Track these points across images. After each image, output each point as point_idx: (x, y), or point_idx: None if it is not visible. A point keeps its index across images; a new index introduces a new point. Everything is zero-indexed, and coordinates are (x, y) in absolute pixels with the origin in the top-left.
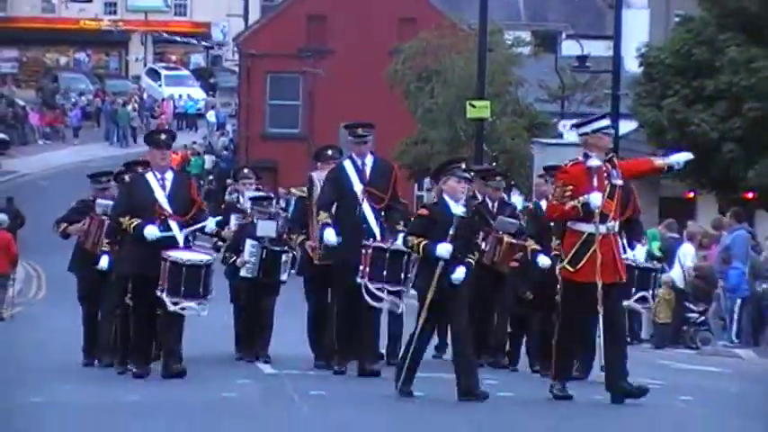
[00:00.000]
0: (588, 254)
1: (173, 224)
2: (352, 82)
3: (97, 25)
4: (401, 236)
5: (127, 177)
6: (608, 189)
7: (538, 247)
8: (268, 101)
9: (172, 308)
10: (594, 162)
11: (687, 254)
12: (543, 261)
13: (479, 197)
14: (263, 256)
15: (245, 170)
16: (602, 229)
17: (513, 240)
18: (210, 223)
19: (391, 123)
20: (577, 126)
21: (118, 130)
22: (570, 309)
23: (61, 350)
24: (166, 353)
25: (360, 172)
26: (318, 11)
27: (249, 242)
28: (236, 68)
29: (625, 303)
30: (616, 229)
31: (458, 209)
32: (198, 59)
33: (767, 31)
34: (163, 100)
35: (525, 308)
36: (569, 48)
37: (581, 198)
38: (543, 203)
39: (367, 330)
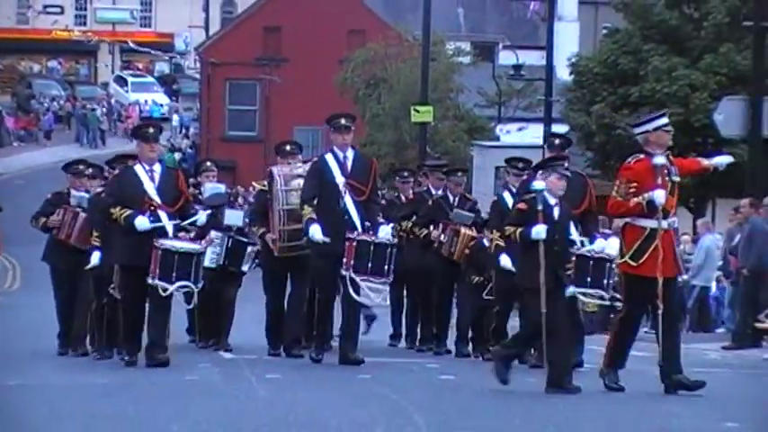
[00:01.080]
0: (650, 249)
1: (162, 215)
2: (305, 88)
3: (68, 35)
4: (383, 227)
5: (116, 169)
6: (669, 186)
7: (502, 244)
8: (227, 106)
9: (164, 293)
10: (660, 159)
11: (613, 247)
12: (505, 262)
13: (433, 191)
14: (229, 245)
15: (208, 163)
16: (664, 224)
17: (470, 232)
18: (202, 216)
19: None
20: (637, 125)
21: (88, 133)
22: (631, 303)
23: (35, 338)
24: (151, 342)
25: (341, 165)
26: (274, 23)
27: (213, 233)
28: (198, 76)
29: (574, 291)
30: (675, 224)
31: (552, 200)
32: (162, 67)
33: (687, 42)
34: (129, 105)
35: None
36: (506, 57)
37: (645, 195)
38: (506, 195)
39: (350, 320)
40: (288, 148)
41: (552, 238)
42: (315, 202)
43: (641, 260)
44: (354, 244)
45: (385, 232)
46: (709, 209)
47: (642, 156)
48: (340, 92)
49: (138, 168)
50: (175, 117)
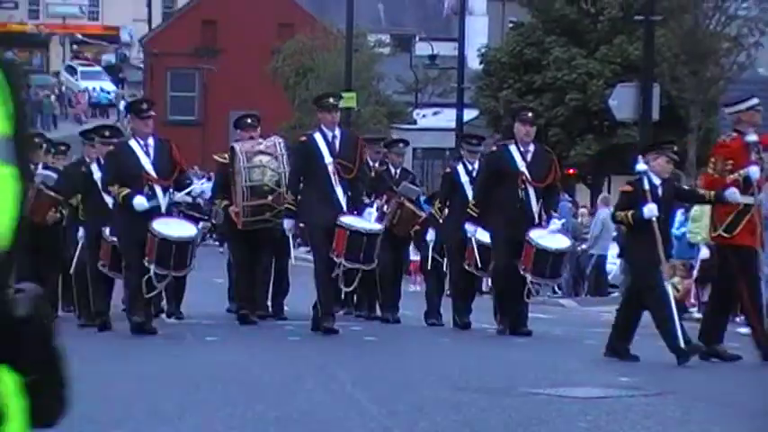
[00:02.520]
0: (743, 222)
1: (157, 190)
2: (239, 76)
3: (22, 28)
4: (368, 210)
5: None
6: (761, 163)
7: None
8: (169, 93)
9: (159, 280)
10: (752, 137)
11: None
12: (470, 228)
13: (371, 163)
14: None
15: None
16: (757, 199)
17: (413, 207)
18: (197, 186)
19: (273, 111)
20: (729, 104)
21: (42, 118)
22: (726, 274)
23: None
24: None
25: (330, 144)
26: (211, 16)
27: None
28: (142, 65)
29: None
30: (764, 201)
31: (657, 180)
32: (109, 57)
33: (585, 34)
34: (79, 92)
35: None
36: (422, 48)
37: (741, 171)
38: (460, 168)
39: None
40: (248, 120)
41: (659, 217)
42: (300, 186)
43: (735, 231)
44: (347, 234)
45: (370, 216)
46: (606, 185)
47: (735, 134)
48: (272, 80)
49: (133, 143)
50: (122, 103)
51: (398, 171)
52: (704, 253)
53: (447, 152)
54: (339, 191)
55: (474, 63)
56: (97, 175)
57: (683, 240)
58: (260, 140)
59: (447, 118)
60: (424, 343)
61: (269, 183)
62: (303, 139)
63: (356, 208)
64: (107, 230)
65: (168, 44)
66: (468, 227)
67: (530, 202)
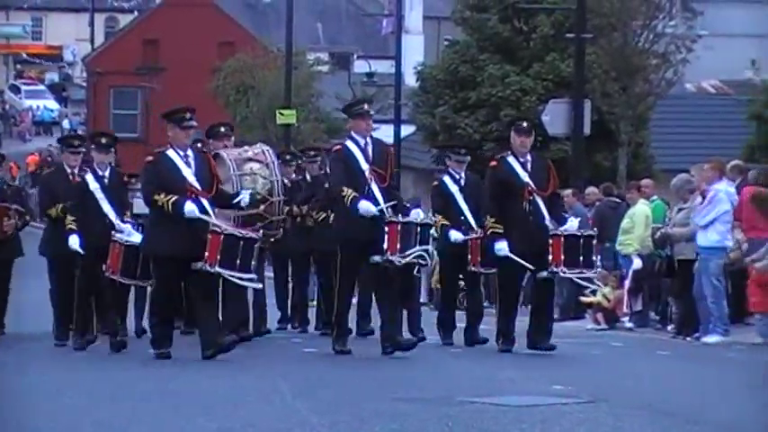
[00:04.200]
0: None
1: (204, 201)
2: (181, 94)
3: None
4: (414, 210)
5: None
6: None
7: (447, 222)
8: (112, 110)
9: (237, 281)
10: None
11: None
12: (455, 236)
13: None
14: (140, 232)
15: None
16: None
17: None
18: (246, 197)
19: None
20: None
21: None
22: None
23: None
24: (213, 327)
25: (363, 151)
26: (152, 35)
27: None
28: (85, 84)
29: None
30: None
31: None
32: (53, 76)
33: (518, 52)
34: (23, 110)
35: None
36: (360, 66)
37: None
38: (447, 179)
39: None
40: (222, 129)
41: None
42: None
43: None
44: (398, 227)
45: (418, 216)
46: None
47: None
48: (213, 97)
49: (172, 154)
50: (66, 121)
51: None
52: (637, 264)
53: None
54: (379, 197)
55: (411, 80)
56: (94, 185)
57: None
58: (245, 148)
59: (385, 134)
60: (364, 354)
61: (261, 191)
62: (337, 147)
63: (400, 213)
64: (120, 234)
65: (111, 63)
66: (499, 245)
67: (541, 213)
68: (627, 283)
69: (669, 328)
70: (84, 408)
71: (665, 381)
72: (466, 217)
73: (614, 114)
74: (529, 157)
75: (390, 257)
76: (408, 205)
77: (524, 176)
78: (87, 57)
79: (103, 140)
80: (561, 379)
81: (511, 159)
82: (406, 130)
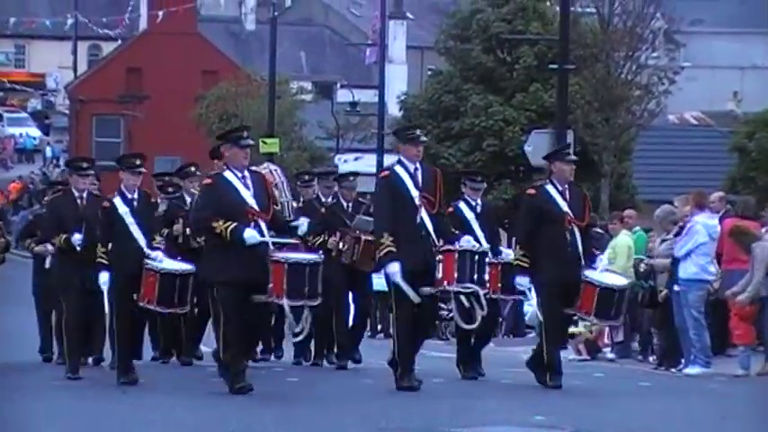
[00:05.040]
0: None
1: (262, 225)
2: (164, 123)
3: None
4: (465, 237)
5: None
6: None
7: (524, 264)
8: (94, 138)
9: (289, 309)
10: None
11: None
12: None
13: (323, 198)
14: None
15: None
16: None
17: (371, 239)
18: (304, 225)
19: (197, 157)
20: None
21: None
22: None
23: None
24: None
25: (413, 177)
26: (136, 64)
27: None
28: (68, 111)
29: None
30: None
31: None
32: (35, 104)
33: (501, 82)
34: (5, 137)
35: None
36: (343, 95)
37: None
38: (462, 205)
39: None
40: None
41: None
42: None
43: None
44: (456, 256)
45: (469, 243)
46: None
47: None
48: (196, 126)
49: (230, 175)
50: (48, 149)
51: (350, 205)
52: None
53: (368, 196)
54: (429, 225)
55: (394, 110)
56: (123, 209)
57: None
58: (253, 168)
59: (367, 163)
60: (346, 383)
61: None
62: (386, 173)
63: (448, 240)
64: (153, 262)
65: (94, 91)
66: (521, 279)
67: (576, 244)
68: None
69: (651, 359)
70: None
71: (646, 412)
72: (482, 244)
73: (597, 145)
74: (567, 186)
75: (447, 288)
76: (457, 232)
77: (564, 205)
78: (70, 84)
79: (137, 162)
80: (543, 409)
81: (549, 188)
82: (390, 159)
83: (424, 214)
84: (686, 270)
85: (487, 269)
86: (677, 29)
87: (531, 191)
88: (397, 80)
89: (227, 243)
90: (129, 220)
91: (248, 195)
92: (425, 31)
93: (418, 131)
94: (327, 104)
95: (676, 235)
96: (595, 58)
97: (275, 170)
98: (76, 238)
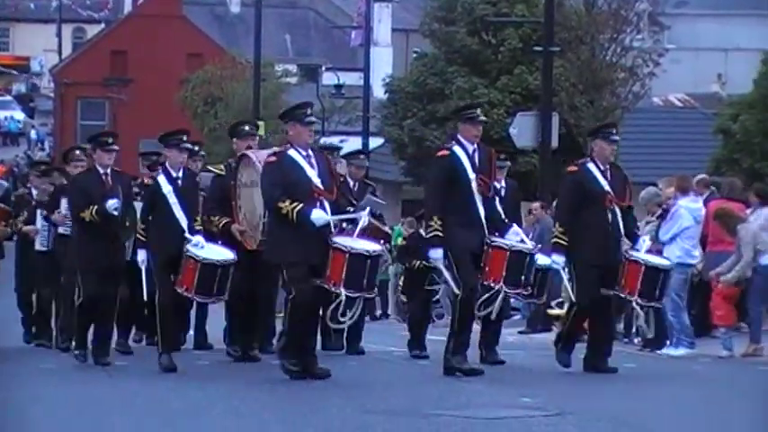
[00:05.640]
0: None
1: (326, 205)
2: (149, 106)
3: None
4: (513, 228)
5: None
6: None
7: (562, 242)
8: (79, 121)
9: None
10: None
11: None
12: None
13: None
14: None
15: (77, 151)
16: None
17: (377, 223)
18: (365, 218)
19: None
20: None
21: None
22: None
23: None
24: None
25: (470, 159)
26: (120, 47)
27: (39, 212)
28: (52, 94)
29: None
30: None
31: None
32: (20, 87)
33: (486, 65)
34: None
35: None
36: (328, 78)
37: None
38: None
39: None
40: (246, 128)
41: None
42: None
43: None
44: (507, 254)
45: (517, 236)
46: None
47: None
48: (181, 108)
49: (294, 153)
50: (32, 132)
51: (357, 184)
52: None
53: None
54: (481, 209)
55: (379, 92)
56: (167, 188)
57: None
58: (274, 149)
59: (353, 146)
60: (331, 366)
61: None
62: (444, 153)
63: (497, 229)
64: (193, 249)
65: (78, 74)
66: (557, 258)
67: (617, 224)
68: None
69: (636, 341)
70: (46, 421)
71: (631, 393)
72: (558, 237)
73: (581, 127)
74: (608, 166)
75: (494, 285)
76: (509, 224)
77: (605, 184)
78: (55, 67)
79: (183, 138)
80: (529, 391)
81: (591, 166)
82: (375, 142)
83: (477, 198)
84: (670, 253)
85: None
86: (662, 11)
87: (573, 168)
88: (383, 63)
89: (292, 223)
90: (173, 199)
91: (314, 174)
92: (410, 13)
93: (478, 110)
94: (313, 87)
95: (660, 217)
96: (580, 40)
97: None
98: (111, 203)
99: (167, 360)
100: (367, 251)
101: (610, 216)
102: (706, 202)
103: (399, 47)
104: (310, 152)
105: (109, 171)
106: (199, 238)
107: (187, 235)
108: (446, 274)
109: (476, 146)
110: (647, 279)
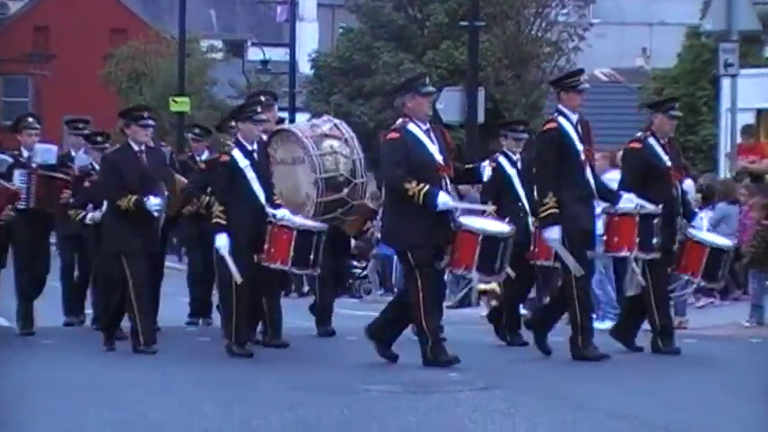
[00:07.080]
0: None
1: (448, 182)
2: (72, 82)
3: None
4: (626, 196)
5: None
6: None
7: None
8: (2, 98)
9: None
10: None
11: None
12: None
13: None
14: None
15: (30, 119)
16: None
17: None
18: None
19: (106, 117)
20: None
21: None
22: None
23: None
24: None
25: (576, 129)
26: (43, 22)
27: (17, 171)
28: None
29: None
30: None
31: None
32: None
33: (412, 40)
34: None
35: None
36: (254, 54)
37: None
38: (503, 160)
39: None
40: (263, 99)
41: None
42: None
43: None
44: (637, 219)
45: (630, 202)
46: None
47: None
48: (105, 84)
49: (414, 128)
50: None
51: None
52: None
53: None
54: (592, 183)
55: (305, 68)
56: (244, 162)
57: None
58: (314, 122)
59: None
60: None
61: (344, 172)
62: (552, 125)
63: (607, 199)
64: (285, 219)
65: (1, 50)
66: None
67: (681, 200)
68: None
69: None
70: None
71: (557, 367)
72: (523, 203)
73: (508, 102)
74: (667, 140)
75: (627, 254)
76: (619, 193)
77: (667, 159)
78: None
79: (258, 108)
80: (457, 367)
81: (652, 141)
82: (301, 117)
83: (588, 172)
84: (597, 227)
85: (533, 233)
86: None
87: (636, 144)
88: (309, 38)
89: (416, 205)
90: (251, 174)
91: (435, 150)
92: None
93: (581, 78)
94: (238, 63)
95: None
96: (505, 15)
97: (340, 123)
98: (153, 202)
99: (239, 347)
100: (501, 233)
101: (675, 192)
102: None
103: (325, 22)
104: (429, 125)
105: (143, 148)
106: (284, 211)
107: (268, 210)
108: (565, 255)
109: (576, 115)
110: (711, 261)
